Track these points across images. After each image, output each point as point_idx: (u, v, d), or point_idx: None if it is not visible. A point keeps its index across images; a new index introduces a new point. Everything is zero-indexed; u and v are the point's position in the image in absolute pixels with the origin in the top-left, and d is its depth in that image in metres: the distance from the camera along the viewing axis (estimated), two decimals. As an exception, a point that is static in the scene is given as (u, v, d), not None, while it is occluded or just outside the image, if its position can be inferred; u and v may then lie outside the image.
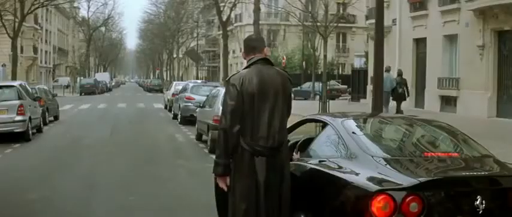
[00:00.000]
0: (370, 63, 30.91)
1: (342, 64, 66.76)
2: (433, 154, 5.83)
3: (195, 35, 77.27)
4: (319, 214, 5.31)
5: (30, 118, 17.88)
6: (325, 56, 30.54)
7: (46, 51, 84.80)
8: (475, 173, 5.47)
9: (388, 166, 5.29)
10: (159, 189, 10.18)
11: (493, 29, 23.31)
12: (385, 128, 6.83)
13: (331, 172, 5.38)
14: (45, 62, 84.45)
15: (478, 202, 4.84)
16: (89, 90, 64.88)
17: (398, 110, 23.71)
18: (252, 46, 5.38)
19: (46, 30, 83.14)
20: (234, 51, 69.63)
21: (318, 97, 34.06)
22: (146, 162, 13.35)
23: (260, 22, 33.39)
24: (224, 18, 42.83)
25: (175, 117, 26.51)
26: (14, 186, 10.56)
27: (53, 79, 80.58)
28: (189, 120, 22.35)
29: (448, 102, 26.40)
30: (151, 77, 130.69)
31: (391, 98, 24.10)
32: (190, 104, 22.82)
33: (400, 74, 24.58)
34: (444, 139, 6.44)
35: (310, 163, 5.80)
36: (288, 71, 54.47)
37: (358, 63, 52.95)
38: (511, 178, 5.38)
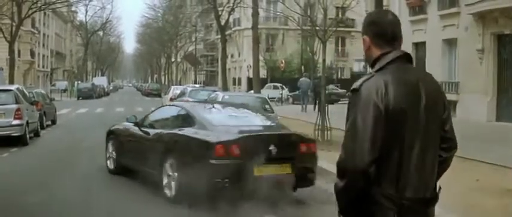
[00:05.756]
0: (369, 68, 30.87)
1: (341, 68, 66.69)
2: (249, 124, 10.12)
3: (193, 39, 77.19)
4: (187, 158, 9.05)
5: (27, 122, 17.73)
6: (324, 60, 30.39)
7: (43, 55, 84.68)
8: (268, 132, 9.82)
9: (222, 129, 9.25)
10: (159, 192, 10.06)
11: (493, 33, 23.27)
12: (218, 110, 11.00)
13: (191, 135, 9.33)
14: (43, 66, 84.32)
15: (271, 148, 8.73)
16: (86, 95, 64.70)
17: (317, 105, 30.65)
18: (392, 33, 3.21)
19: (43, 34, 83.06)
20: (232, 56, 69.59)
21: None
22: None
23: (259, 26, 33.34)
24: (222, 22, 42.82)
25: (173, 121, 26.37)
26: (12, 190, 10.46)
27: (51, 83, 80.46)
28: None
29: (447, 106, 26.33)
30: (149, 81, 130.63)
31: (310, 96, 34.92)
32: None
33: (319, 77, 34.50)
34: (257, 117, 10.92)
35: (174, 132, 9.81)
36: (287, 75, 54.72)
37: (357, 67, 52.91)
38: (286, 135, 9.70)
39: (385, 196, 3.00)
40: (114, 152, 11.96)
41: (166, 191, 9.35)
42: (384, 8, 20.19)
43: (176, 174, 9.12)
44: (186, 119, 9.96)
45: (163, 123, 10.81)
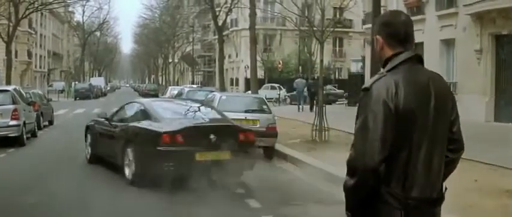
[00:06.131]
0: (367, 68, 30.85)
1: (339, 69, 66.71)
2: (197, 117, 11.59)
3: (190, 39, 77.15)
4: (140, 146, 10.70)
5: (24, 123, 17.68)
6: (321, 61, 30.51)
7: (40, 56, 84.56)
8: (209, 123, 11.35)
9: (165, 120, 11.04)
10: (155, 192, 10.05)
11: (491, 33, 23.28)
12: (173, 106, 13.17)
13: (142, 125, 11.17)
14: (40, 67, 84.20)
15: (212, 136, 10.34)
16: (83, 95, 64.50)
17: (312, 105, 31.58)
18: (404, 33, 3.22)
19: (40, 35, 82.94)
20: (230, 56, 69.54)
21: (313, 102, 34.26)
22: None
23: (256, 27, 33.23)
24: (220, 23, 42.71)
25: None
26: (10, 191, 10.42)
27: (48, 83, 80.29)
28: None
29: (445, 106, 26.33)
30: (147, 81, 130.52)
31: (307, 96, 35.64)
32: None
33: (314, 78, 38.15)
34: (207, 111, 12.49)
35: (133, 125, 11.50)
36: (284, 75, 54.59)
37: (354, 68, 52.92)
38: (226, 126, 11.36)
39: (392, 195, 3.02)
40: (89, 144, 13.72)
41: (127, 175, 10.91)
42: (382, 8, 20.16)
43: (134, 159, 10.71)
44: (144, 114, 11.73)
45: (127, 118, 12.40)
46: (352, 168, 3.03)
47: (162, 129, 10.41)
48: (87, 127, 14.24)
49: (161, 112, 11.58)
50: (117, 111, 13.24)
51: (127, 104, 13.46)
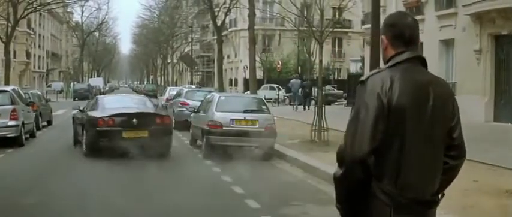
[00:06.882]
0: (366, 68, 30.81)
1: (338, 69, 66.69)
2: (129, 107, 15.77)
3: (189, 40, 77.07)
4: (88, 127, 14.64)
5: (23, 123, 17.64)
6: (320, 61, 30.46)
7: (39, 56, 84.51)
8: (134, 111, 15.08)
9: (106, 109, 15.31)
10: (154, 194, 10.03)
11: (490, 34, 23.26)
12: (116, 98, 19.06)
13: (90, 113, 15.40)
14: (39, 67, 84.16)
15: (134, 120, 14.38)
16: (82, 95, 64.18)
17: (308, 105, 34.37)
18: (409, 35, 3.21)
19: (39, 35, 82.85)
20: (228, 56, 69.48)
21: (313, 102, 34.18)
22: (140, 167, 13.12)
23: (255, 27, 33.21)
24: (219, 23, 42.68)
25: (169, 122, 26.33)
26: (9, 191, 10.42)
27: (46, 84, 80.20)
28: (183, 125, 22.12)
29: (444, 107, 26.28)
30: (146, 81, 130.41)
31: (301, 95, 36.34)
32: (184, 109, 22.63)
33: (310, 79, 40.16)
34: (141, 103, 16.81)
35: (88, 113, 15.65)
36: (283, 76, 54.51)
37: (353, 68, 52.92)
38: (146, 113, 15.31)
39: (384, 192, 3.00)
40: (73, 130, 17.54)
41: (84, 150, 14.87)
42: (381, 8, 20.15)
43: (85, 137, 14.80)
44: (95, 105, 16.34)
45: (89, 108, 16.32)
46: (341, 158, 3.03)
47: (99, 115, 14.72)
48: (72, 118, 18.30)
49: (105, 104, 16.26)
50: (86, 104, 17.46)
51: (92, 98, 18.02)
